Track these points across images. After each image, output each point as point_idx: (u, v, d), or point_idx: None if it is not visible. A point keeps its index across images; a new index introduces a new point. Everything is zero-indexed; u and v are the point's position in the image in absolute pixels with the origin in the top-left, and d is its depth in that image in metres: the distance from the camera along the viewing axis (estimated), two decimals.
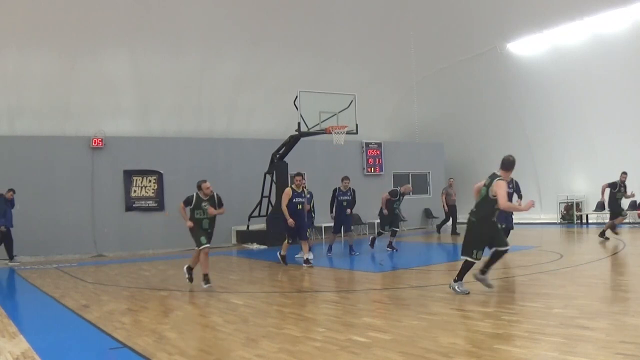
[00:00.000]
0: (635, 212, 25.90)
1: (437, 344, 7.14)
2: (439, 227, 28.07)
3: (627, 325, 7.71)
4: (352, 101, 23.30)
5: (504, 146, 30.01)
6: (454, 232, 25.76)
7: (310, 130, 22.85)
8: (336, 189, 19.43)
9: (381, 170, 30.55)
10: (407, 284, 12.62)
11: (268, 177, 24.55)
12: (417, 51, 29.65)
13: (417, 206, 31.56)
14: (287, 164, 24.27)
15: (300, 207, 16.50)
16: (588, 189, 28.29)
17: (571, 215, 28.67)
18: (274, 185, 24.31)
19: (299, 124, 22.55)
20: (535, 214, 29.68)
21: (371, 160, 30.32)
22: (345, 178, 19.35)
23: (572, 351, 6.56)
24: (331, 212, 19.65)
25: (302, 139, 23.62)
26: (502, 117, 30.82)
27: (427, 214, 31.83)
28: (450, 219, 26.73)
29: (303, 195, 16.62)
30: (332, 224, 20.03)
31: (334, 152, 26.37)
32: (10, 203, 20.31)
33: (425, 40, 29.21)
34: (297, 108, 22.41)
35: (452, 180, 26.96)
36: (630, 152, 25.02)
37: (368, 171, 30.09)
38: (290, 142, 23.71)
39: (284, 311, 10.17)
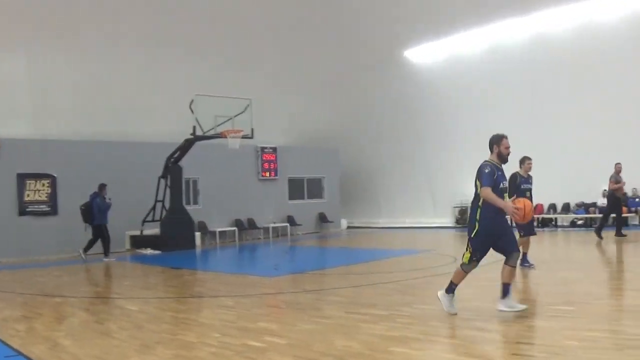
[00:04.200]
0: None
1: (333, 347, 7.24)
2: (598, 229, 20.49)
3: (523, 326, 8.03)
4: (247, 106, 23.43)
5: (399, 152, 30.82)
6: (620, 233, 20.22)
7: (206, 134, 22.84)
8: (515, 174, 13.83)
9: (276, 174, 30.52)
10: (302, 288, 12.72)
11: (162, 181, 24.34)
12: (316, 56, 29.96)
13: (311, 210, 31.85)
14: (181, 168, 24.13)
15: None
16: None
17: (465, 219, 29.43)
18: (168, 190, 24.13)
19: (194, 127, 22.51)
20: (430, 218, 30.38)
21: (266, 164, 30.21)
22: (527, 158, 14.22)
23: (468, 352, 6.82)
24: None
25: (197, 143, 23.53)
26: (399, 123, 31.45)
27: (322, 218, 32.12)
28: (611, 215, 21.08)
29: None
30: None
31: (229, 156, 26.22)
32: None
33: (324, 45, 29.55)
34: (192, 112, 22.37)
35: (619, 165, 20.36)
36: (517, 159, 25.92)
37: (263, 175, 29.99)
38: (186, 146, 23.53)
39: (178, 317, 10.13)
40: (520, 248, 12.96)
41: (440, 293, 8.88)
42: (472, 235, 8.64)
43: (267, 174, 30.25)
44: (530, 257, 13.75)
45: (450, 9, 26.66)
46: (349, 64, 30.85)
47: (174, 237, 23.13)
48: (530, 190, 13.81)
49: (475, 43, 28.00)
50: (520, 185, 13.59)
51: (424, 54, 30.14)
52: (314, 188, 32.52)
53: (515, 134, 26.24)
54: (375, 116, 32.43)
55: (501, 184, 8.73)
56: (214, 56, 27.61)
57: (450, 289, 8.87)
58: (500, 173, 8.77)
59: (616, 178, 20.18)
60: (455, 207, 30.39)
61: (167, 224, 23.41)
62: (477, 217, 8.60)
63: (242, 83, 27.69)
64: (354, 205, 34.17)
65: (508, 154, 8.99)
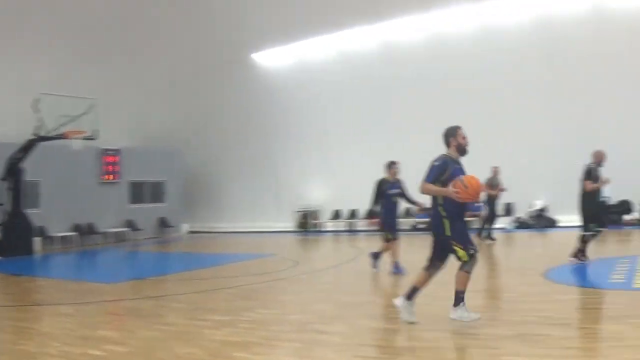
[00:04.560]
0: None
1: (174, 355, 7.33)
2: (481, 230, 20.42)
3: (364, 328, 8.45)
4: (91, 105, 23.26)
5: (245, 155, 31.08)
6: (489, 235, 20.07)
7: (49, 135, 22.52)
8: (382, 180, 13.63)
9: (118, 177, 29.95)
10: (143, 294, 12.71)
11: (3, 183, 23.58)
12: (163, 55, 29.73)
13: (152, 215, 31.55)
14: (23, 169, 23.49)
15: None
16: (325, 199, 30.13)
17: (307, 223, 30.19)
18: (8, 192, 23.38)
19: (37, 127, 22.11)
20: (272, 222, 30.81)
21: (109, 167, 29.54)
22: (393, 162, 13.70)
23: (310, 355, 7.14)
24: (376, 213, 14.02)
25: (39, 143, 23.08)
26: (246, 126, 31.87)
27: (163, 222, 31.97)
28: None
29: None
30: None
31: (71, 158, 25.54)
32: None
33: (172, 44, 29.38)
34: (35, 111, 21.93)
35: (496, 168, 20.13)
36: (363, 165, 25.56)
37: (104, 178, 29.35)
38: (28, 147, 23.01)
39: (18, 326, 9.95)
40: (389, 253, 13.76)
41: (452, 312, 7.99)
42: (447, 234, 7.99)
43: (109, 176, 29.59)
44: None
45: (299, 14, 27.27)
46: (196, 64, 30.88)
47: (14, 242, 22.54)
48: (397, 195, 13.48)
49: (325, 49, 28.78)
50: (386, 191, 13.35)
51: (273, 58, 30.62)
52: (155, 192, 32.25)
53: (362, 140, 27.30)
54: (223, 118, 32.67)
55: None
56: (56, 52, 26.93)
57: (458, 299, 7.98)
58: (457, 167, 8.19)
59: (492, 181, 19.80)
60: (298, 211, 30.96)
61: (7, 229, 22.78)
62: (443, 213, 8.02)
63: (86, 83, 27.10)
64: (198, 210, 34.17)
65: (467, 145, 8.35)
